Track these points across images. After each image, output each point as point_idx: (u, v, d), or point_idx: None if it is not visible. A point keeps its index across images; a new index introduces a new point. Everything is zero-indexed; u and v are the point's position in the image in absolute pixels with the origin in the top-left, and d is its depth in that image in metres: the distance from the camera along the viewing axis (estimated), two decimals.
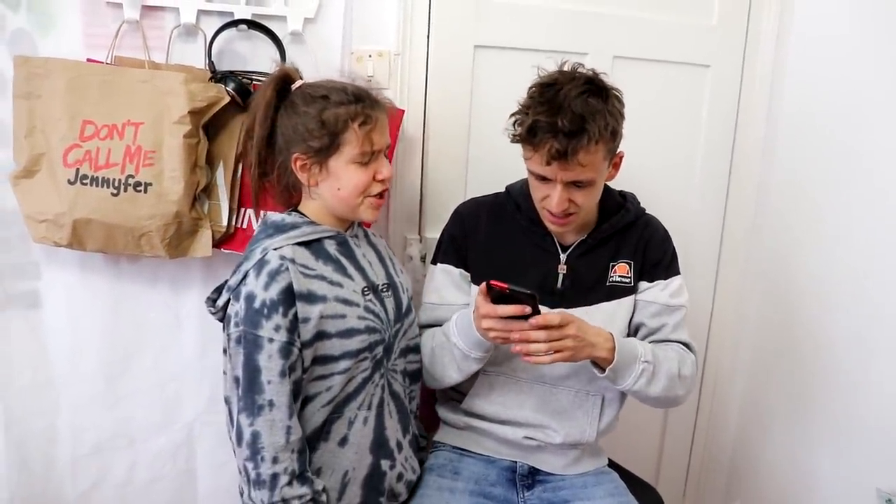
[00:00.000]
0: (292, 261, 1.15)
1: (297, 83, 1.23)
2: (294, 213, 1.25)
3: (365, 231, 1.36)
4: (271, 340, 1.11)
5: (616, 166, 1.34)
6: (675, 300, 1.40)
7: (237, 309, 1.14)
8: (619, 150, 1.31)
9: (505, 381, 1.39)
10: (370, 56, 1.55)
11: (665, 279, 1.40)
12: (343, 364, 1.19)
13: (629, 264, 1.39)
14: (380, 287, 1.27)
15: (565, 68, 1.27)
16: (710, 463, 2.05)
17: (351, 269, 1.24)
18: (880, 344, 1.53)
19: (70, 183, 1.35)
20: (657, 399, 1.33)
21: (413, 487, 1.37)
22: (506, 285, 1.13)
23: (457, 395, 1.45)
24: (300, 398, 1.17)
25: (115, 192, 1.36)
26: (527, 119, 1.21)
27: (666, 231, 1.45)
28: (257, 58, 1.47)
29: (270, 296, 1.12)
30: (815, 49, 1.73)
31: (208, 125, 1.42)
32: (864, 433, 1.57)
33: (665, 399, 1.34)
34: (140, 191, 1.36)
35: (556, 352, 1.19)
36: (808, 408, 1.73)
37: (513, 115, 1.26)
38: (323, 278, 1.18)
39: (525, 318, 1.16)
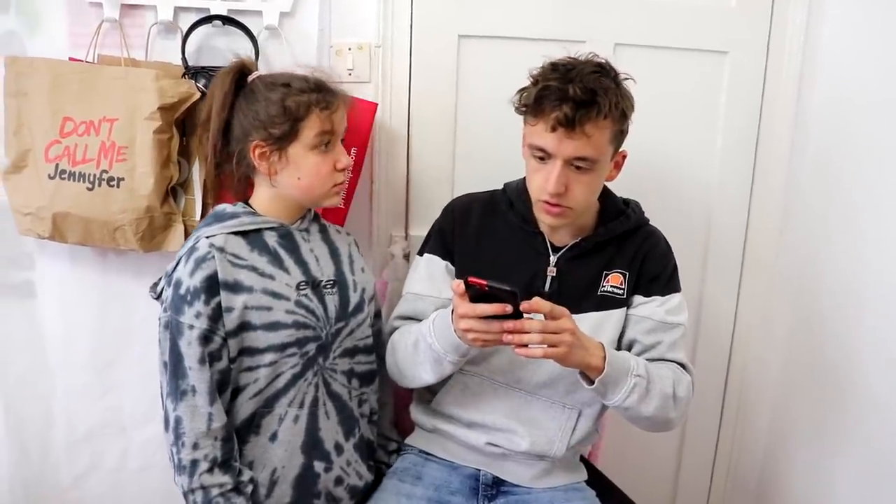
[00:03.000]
0: (221, 249, 1.16)
1: (254, 74, 1.25)
2: (242, 204, 1.26)
3: (323, 226, 1.34)
4: (191, 327, 1.13)
5: (618, 166, 1.27)
6: (673, 318, 1.30)
7: (167, 294, 1.17)
8: (622, 149, 1.25)
9: (480, 382, 1.33)
10: (350, 49, 1.53)
11: (663, 296, 1.31)
12: (268, 357, 1.18)
13: (623, 275, 1.31)
14: (322, 283, 1.26)
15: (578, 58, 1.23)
16: (733, 491, 1.88)
17: (289, 263, 1.23)
18: None
19: (50, 178, 1.40)
20: (649, 419, 1.23)
21: (369, 490, 1.34)
22: (484, 282, 1.06)
23: (429, 394, 1.40)
24: (229, 387, 1.18)
25: (90, 186, 1.40)
26: (535, 88, 1.18)
27: (668, 244, 1.36)
28: (235, 53, 1.48)
29: (194, 283, 1.14)
30: (850, 31, 1.55)
31: (185, 121, 1.44)
32: None
33: (657, 420, 1.24)
34: (113, 185, 1.40)
35: (550, 346, 1.10)
36: (842, 429, 1.56)
37: (520, 90, 1.22)
38: (253, 269, 1.19)
39: (507, 317, 1.09)
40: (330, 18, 1.51)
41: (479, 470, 1.35)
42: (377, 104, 1.50)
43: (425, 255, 1.38)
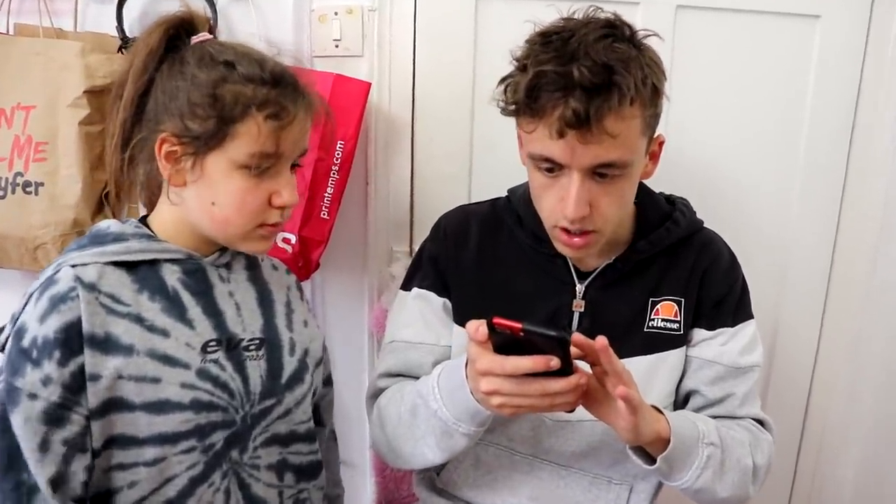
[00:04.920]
0: (91, 287, 0.81)
1: (200, 36, 0.87)
2: (135, 222, 0.90)
3: (251, 261, 0.98)
4: (33, 396, 0.78)
5: (654, 157, 0.97)
6: (747, 358, 1.02)
7: (8, 347, 0.83)
8: (657, 133, 0.94)
9: (497, 454, 1.04)
10: (336, 14, 1.27)
11: (732, 326, 1.02)
12: (151, 452, 0.84)
13: (678, 303, 1.02)
14: (243, 343, 0.91)
15: (575, 17, 0.91)
16: None
17: (193, 312, 0.88)
18: None
19: None
20: (724, 501, 0.96)
21: None
22: (518, 324, 0.77)
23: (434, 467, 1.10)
24: (90, 492, 0.84)
25: (1, 194, 1.14)
26: (524, 76, 0.86)
27: (732, 254, 1.07)
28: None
29: (45, 332, 0.79)
30: None
31: None
32: None
33: (733, 500, 0.97)
34: (30, 192, 1.14)
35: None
36: None
37: (503, 79, 0.91)
38: (138, 319, 0.84)
39: (550, 374, 0.80)
40: None
41: None
42: (371, 83, 1.24)
43: (413, 289, 1.09)
